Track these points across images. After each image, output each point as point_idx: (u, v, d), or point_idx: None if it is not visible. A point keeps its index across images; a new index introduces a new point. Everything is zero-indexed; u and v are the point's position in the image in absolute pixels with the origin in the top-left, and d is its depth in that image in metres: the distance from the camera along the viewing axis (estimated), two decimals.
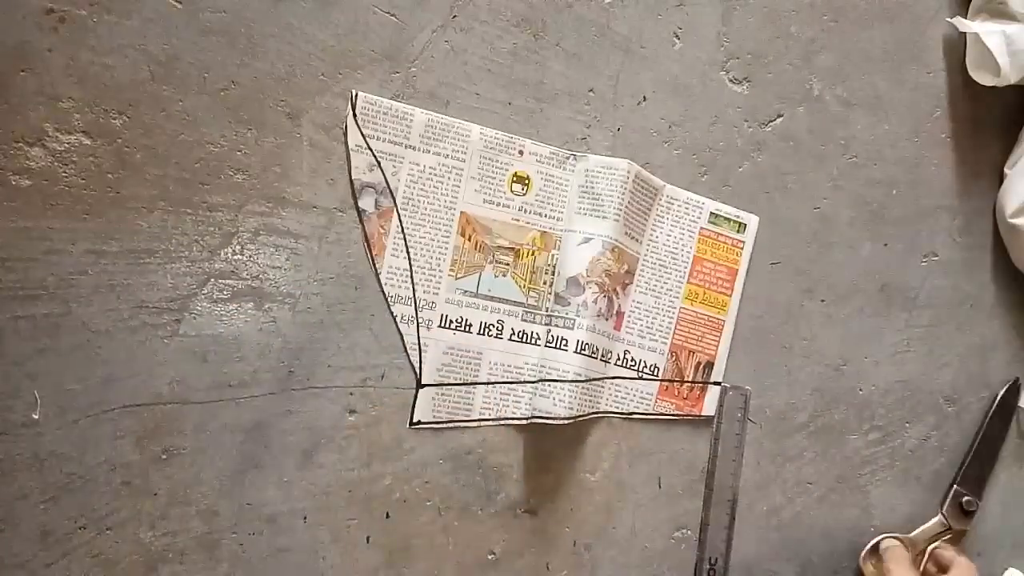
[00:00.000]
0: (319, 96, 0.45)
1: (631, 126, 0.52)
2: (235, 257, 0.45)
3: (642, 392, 0.53)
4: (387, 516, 0.48)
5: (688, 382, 0.54)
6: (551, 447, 0.51)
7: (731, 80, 0.53)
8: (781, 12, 0.54)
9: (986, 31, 0.54)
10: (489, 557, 0.51)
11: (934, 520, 0.60)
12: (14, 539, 0.42)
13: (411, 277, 0.48)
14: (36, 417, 0.42)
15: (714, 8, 0.52)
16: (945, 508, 0.60)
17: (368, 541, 0.48)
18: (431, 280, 0.48)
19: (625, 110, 0.51)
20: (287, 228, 0.46)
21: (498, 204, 0.49)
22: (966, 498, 0.60)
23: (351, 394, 0.47)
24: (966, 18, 0.56)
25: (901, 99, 0.57)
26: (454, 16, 0.47)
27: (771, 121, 0.55)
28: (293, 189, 0.45)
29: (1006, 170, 0.60)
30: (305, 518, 0.47)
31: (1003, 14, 0.55)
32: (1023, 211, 0.57)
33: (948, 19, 0.56)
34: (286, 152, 0.45)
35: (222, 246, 0.44)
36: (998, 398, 0.61)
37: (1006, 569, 0.62)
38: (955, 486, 0.60)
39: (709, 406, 0.54)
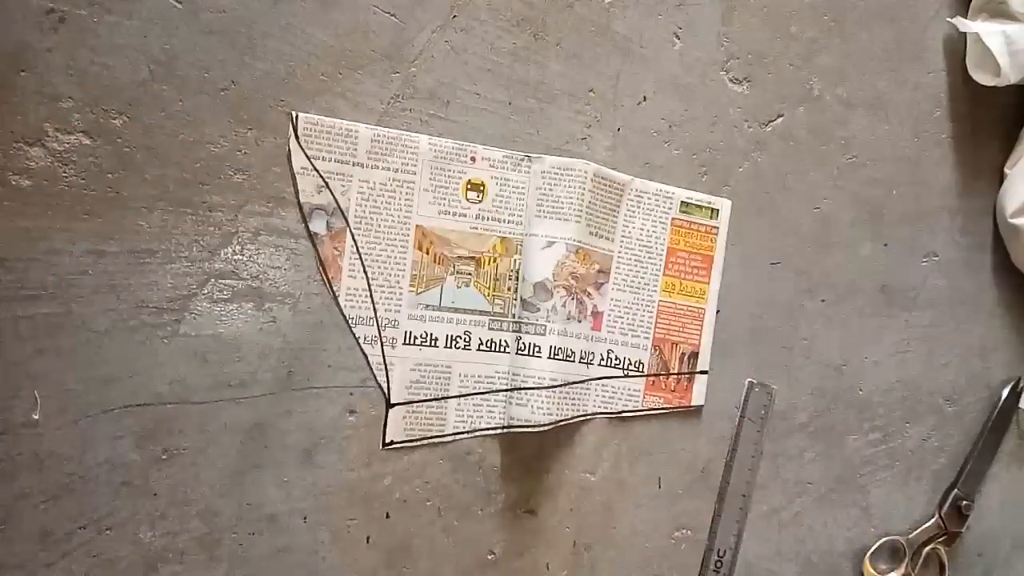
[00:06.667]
0: (319, 96, 0.45)
1: (631, 126, 0.52)
2: (235, 257, 0.45)
3: (629, 390, 0.53)
4: (387, 516, 0.48)
5: (674, 374, 0.54)
6: (551, 448, 0.51)
7: (731, 80, 0.53)
8: (781, 12, 0.54)
9: (986, 31, 0.54)
10: (489, 557, 0.51)
11: (931, 521, 0.60)
12: (14, 539, 0.42)
13: (371, 296, 0.47)
14: (36, 417, 0.42)
15: (714, 8, 0.52)
16: (943, 511, 0.60)
17: (368, 541, 0.48)
18: (392, 298, 0.48)
19: (625, 110, 0.51)
20: (287, 228, 0.46)
21: (454, 214, 0.48)
22: (964, 502, 0.60)
23: (351, 394, 0.47)
24: (966, 18, 0.56)
25: (901, 99, 0.57)
26: (454, 16, 0.47)
27: (771, 121, 0.55)
28: (293, 189, 0.45)
29: (1006, 170, 0.60)
30: (305, 518, 0.47)
31: (1003, 14, 0.55)
32: (1023, 211, 0.57)
33: (948, 19, 0.56)
34: (286, 152, 0.45)
35: (222, 246, 0.44)
36: (1000, 399, 0.61)
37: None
38: (954, 489, 0.60)
39: (698, 396, 0.54)
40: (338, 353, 0.47)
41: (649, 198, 0.52)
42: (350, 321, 0.47)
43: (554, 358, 0.49)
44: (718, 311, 0.54)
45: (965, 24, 0.55)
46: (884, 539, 0.59)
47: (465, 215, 0.49)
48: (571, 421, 0.51)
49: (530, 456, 0.51)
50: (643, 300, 0.53)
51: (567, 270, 0.50)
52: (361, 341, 0.47)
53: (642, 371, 0.53)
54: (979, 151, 0.60)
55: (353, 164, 0.46)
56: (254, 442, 0.46)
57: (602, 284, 0.52)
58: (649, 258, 0.53)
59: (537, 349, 0.49)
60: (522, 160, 0.49)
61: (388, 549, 0.49)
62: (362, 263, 0.47)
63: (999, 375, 0.62)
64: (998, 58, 0.54)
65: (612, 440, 0.53)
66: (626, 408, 0.53)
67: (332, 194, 0.46)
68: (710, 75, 0.53)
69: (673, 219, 0.53)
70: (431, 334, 0.49)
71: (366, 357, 0.47)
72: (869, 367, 0.58)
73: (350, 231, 0.47)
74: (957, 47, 0.57)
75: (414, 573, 0.49)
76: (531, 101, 0.49)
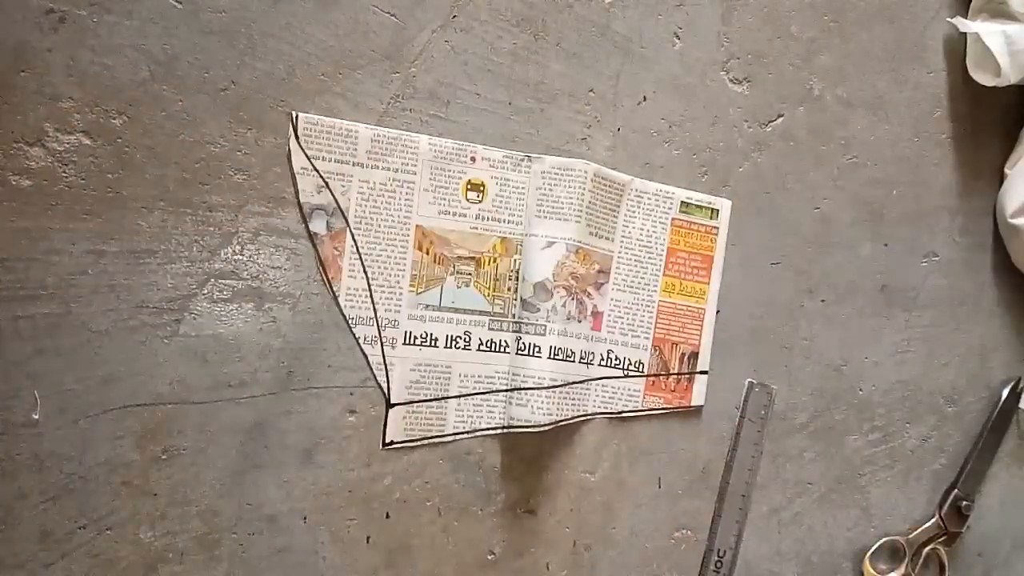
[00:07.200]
0: (319, 96, 0.45)
1: (631, 126, 0.52)
2: (235, 257, 0.45)
3: (629, 390, 0.53)
4: (387, 516, 0.48)
5: (674, 374, 0.54)
6: (551, 448, 0.51)
7: (731, 80, 0.53)
8: (781, 12, 0.54)
9: (986, 31, 0.54)
10: (489, 557, 0.51)
11: (931, 521, 0.60)
12: (14, 539, 0.42)
13: (371, 296, 0.47)
14: (36, 417, 0.42)
15: (714, 8, 0.52)
16: (943, 511, 0.60)
17: (368, 541, 0.48)
18: (392, 298, 0.48)
19: (625, 110, 0.51)
20: (287, 228, 0.46)
21: (454, 214, 0.48)
22: (964, 502, 0.60)
23: (351, 394, 0.47)
24: (966, 18, 0.56)
25: (901, 99, 0.57)
26: (454, 16, 0.47)
27: (771, 121, 0.55)
28: (293, 189, 0.45)
29: (1006, 170, 0.60)
30: (305, 518, 0.47)
31: (1003, 14, 0.55)
32: (1023, 211, 0.57)
33: (948, 19, 0.56)
34: (286, 152, 0.45)
35: (222, 246, 0.44)
36: (1000, 399, 0.61)
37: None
38: (954, 489, 0.60)
39: (698, 396, 0.54)
40: (338, 353, 0.47)
41: (649, 198, 0.52)
42: (350, 321, 0.47)
43: (554, 358, 0.49)
44: (718, 311, 0.54)
45: (965, 24, 0.55)
46: (884, 539, 0.59)
47: (465, 215, 0.49)
48: (571, 421, 0.51)
49: (530, 456, 0.51)
50: (643, 300, 0.53)
51: (567, 270, 0.50)
52: (361, 341, 0.47)
53: (642, 371, 0.53)
54: (979, 151, 0.60)
55: (353, 164, 0.46)
56: (254, 442, 0.46)
57: (602, 284, 0.52)
58: (649, 258, 0.53)
59: (537, 349, 0.49)
60: (522, 160, 0.49)
61: (388, 549, 0.49)
62: (362, 263, 0.47)
63: (999, 375, 0.62)
64: (998, 58, 0.54)
65: (612, 440, 0.53)
66: (626, 408, 0.53)
67: (332, 194, 0.46)
68: (710, 75, 0.53)
69: (673, 219, 0.53)
70: (431, 334, 0.49)
71: (366, 357, 0.47)
72: (869, 367, 0.58)
73: (350, 231, 0.47)
74: (957, 47, 0.57)
75: (414, 573, 0.49)
76: (531, 101, 0.49)
